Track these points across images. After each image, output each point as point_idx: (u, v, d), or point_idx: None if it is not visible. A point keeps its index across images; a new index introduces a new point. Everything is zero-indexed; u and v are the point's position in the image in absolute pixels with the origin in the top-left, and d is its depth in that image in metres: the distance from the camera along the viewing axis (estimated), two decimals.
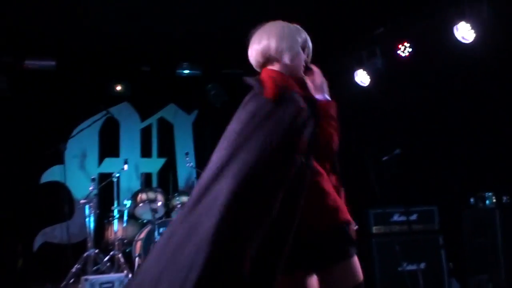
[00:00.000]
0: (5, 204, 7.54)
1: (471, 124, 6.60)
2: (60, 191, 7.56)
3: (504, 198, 6.10)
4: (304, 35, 2.94)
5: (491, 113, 6.37)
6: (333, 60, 7.84)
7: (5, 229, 7.48)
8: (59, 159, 7.53)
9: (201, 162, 8.90)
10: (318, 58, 8.51)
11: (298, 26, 2.97)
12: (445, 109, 6.90)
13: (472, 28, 5.99)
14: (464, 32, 6.05)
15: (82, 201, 7.12)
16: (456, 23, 6.08)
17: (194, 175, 8.67)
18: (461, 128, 6.73)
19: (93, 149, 8.60)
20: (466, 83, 6.54)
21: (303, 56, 2.88)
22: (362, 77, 7.48)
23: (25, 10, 6.50)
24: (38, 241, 8.01)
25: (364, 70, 7.46)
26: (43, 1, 6.29)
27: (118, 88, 8.51)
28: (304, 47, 2.90)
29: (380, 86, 7.32)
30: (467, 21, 6.01)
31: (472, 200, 6.32)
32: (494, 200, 6.12)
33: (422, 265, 6.27)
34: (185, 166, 8.31)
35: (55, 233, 8.00)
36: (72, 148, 8.27)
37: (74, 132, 7.94)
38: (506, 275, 5.82)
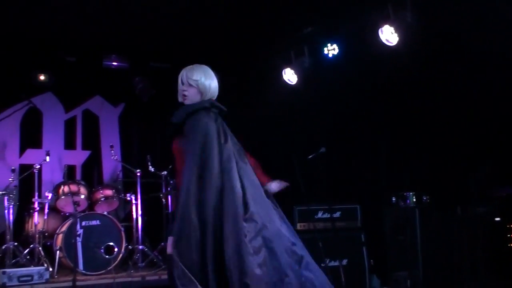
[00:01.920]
0: None
1: (395, 124, 6.65)
2: None
3: (424, 198, 6.18)
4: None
5: (414, 113, 6.45)
6: (262, 58, 7.84)
7: None
8: None
9: (126, 155, 8.81)
10: (247, 56, 8.36)
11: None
12: (369, 109, 6.94)
13: (395, 31, 6.02)
14: (388, 35, 6.08)
15: (1, 192, 6.82)
16: (381, 26, 6.09)
17: (120, 168, 8.44)
18: (385, 128, 6.77)
19: (14, 139, 8.29)
20: (390, 84, 6.61)
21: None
22: (289, 76, 7.47)
23: None
24: None
25: (291, 69, 7.44)
26: None
27: (42, 77, 8.13)
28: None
29: (307, 85, 7.33)
30: (391, 25, 6.03)
31: (393, 199, 6.35)
32: (414, 200, 6.18)
33: (344, 262, 6.27)
34: (110, 159, 8.05)
35: None
36: None
37: None
38: (424, 272, 5.89)
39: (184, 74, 3.60)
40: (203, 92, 3.57)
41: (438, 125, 6.18)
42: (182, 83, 3.59)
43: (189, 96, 3.56)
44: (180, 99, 3.63)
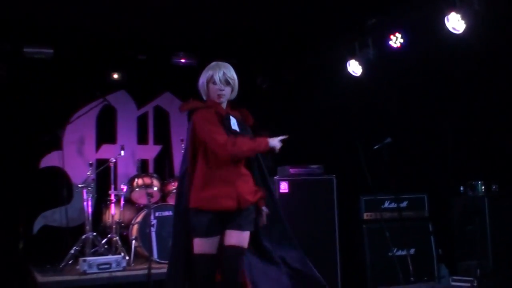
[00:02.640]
0: (6, 189, 7.46)
1: (462, 113, 6.46)
2: (59, 176, 7.47)
3: (493, 186, 6.00)
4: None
5: (482, 103, 6.23)
6: (327, 51, 7.72)
7: (7, 213, 7.43)
8: (57, 145, 7.48)
9: None
10: (313, 49, 8.33)
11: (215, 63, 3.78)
12: (435, 98, 6.76)
13: (462, 19, 5.81)
14: (455, 23, 5.87)
15: (80, 186, 7.04)
16: (447, 13, 5.90)
17: None
18: (452, 116, 6.59)
19: (90, 135, 8.49)
20: (457, 72, 6.40)
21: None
22: (354, 67, 7.33)
23: None
24: (38, 224, 7.96)
25: (356, 60, 7.31)
26: None
27: (115, 76, 8.39)
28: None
29: (372, 76, 7.19)
30: (457, 12, 5.83)
31: (461, 188, 6.20)
32: (483, 189, 6.00)
33: (412, 251, 6.17)
34: (180, 152, 8.16)
35: (54, 217, 7.94)
36: (70, 134, 8.18)
37: (72, 118, 7.82)
38: (493, 261, 5.72)
39: (221, 72, 3.66)
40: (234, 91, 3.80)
41: (506, 112, 5.98)
42: (217, 82, 3.65)
43: (226, 95, 3.71)
44: (226, 98, 3.73)
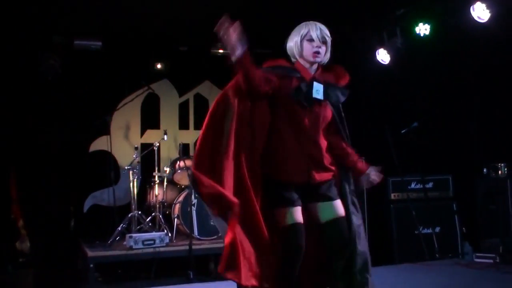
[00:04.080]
0: (59, 171, 7.67)
1: (486, 98, 6.46)
2: (107, 159, 7.57)
3: None
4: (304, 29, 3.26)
5: (504, 89, 6.21)
6: (357, 39, 7.72)
7: (59, 193, 7.64)
8: (105, 130, 7.58)
9: None
10: (343, 39, 8.35)
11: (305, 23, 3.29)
12: (460, 85, 6.76)
13: (487, 8, 5.80)
14: (480, 12, 5.86)
15: (126, 168, 7.22)
16: (472, 3, 5.89)
17: None
18: (476, 102, 6.60)
19: (136, 121, 8.64)
20: (482, 60, 6.38)
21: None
22: (383, 56, 7.32)
23: None
24: (87, 204, 8.16)
25: (384, 49, 7.30)
26: None
27: (159, 66, 8.51)
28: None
29: (400, 65, 7.18)
30: (482, 1, 5.82)
31: (485, 170, 6.21)
32: (506, 170, 6.02)
33: (437, 229, 6.23)
34: None
35: (103, 197, 8.10)
36: (117, 120, 8.35)
37: (119, 105, 7.95)
38: None
39: (318, 30, 3.21)
40: None
41: None
42: (315, 39, 3.19)
43: (322, 54, 3.23)
44: (322, 58, 3.23)
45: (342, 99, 3.34)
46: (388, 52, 7.26)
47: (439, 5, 6.47)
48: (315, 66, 3.25)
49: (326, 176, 3.24)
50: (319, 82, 3.21)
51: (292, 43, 3.27)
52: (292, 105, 3.17)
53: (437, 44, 6.69)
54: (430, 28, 6.64)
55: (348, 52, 8.10)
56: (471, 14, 5.90)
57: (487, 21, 5.84)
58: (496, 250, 5.79)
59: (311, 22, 3.25)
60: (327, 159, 3.25)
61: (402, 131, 6.12)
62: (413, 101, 7.18)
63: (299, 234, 3.08)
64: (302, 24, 3.28)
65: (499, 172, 6.06)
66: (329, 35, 3.23)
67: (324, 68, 3.32)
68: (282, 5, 6.94)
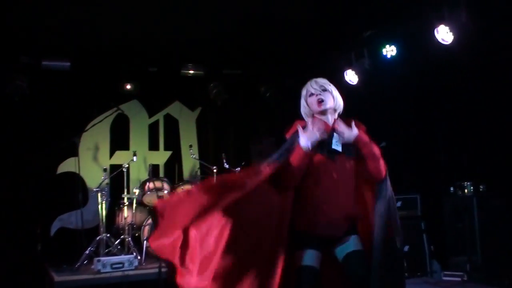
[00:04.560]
0: (25, 193, 7.54)
1: (451, 118, 6.58)
2: (75, 181, 7.43)
3: (481, 187, 6.11)
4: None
5: (469, 107, 6.34)
6: (325, 60, 7.80)
7: (25, 216, 7.47)
8: (73, 152, 7.45)
9: (204, 154, 8.95)
10: (312, 59, 8.41)
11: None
12: (427, 105, 6.87)
13: (450, 31, 5.94)
14: (444, 34, 5.99)
15: (95, 190, 7.11)
16: (436, 26, 6.02)
17: (198, 165, 8.62)
18: (442, 121, 6.71)
19: (105, 142, 8.54)
20: (446, 81, 6.52)
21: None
22: (351, 77, 7.41)
23: (41, 15, 6.44)
24: (55, 227, 7.99)
25: (352, 70, 7.40)
26: (58, 7, 6.22)
27: (128, 87, 8.42)
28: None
29: (368, 85, 7.26)
30: (446, 24, 5.96)
31: (451, 188, 6.31)
32: (472, 189, 6.12)
33: (406, 248, 6.25)
34: (189, 158, 8.29)
35: (70, 219, 7.95)
36: (86, 142, 8.26)
37: (88, 127, 7.82)
38: (482, 256, 5.82)
39: (312, 82, 3.37)
40: None
41: (493, 117, 6.09)
42: (313, 91, 3.33)
43: (327, 101, 3.33)
44: (328, 105, 3.32)
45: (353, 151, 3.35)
46: (356, 73, 7.36)
47: (405, 27, 6.58)
48: (330, 117, 3.34)
49: (347, 222, 3.29)
50: (338, 133, 3.28)
51: (302, 109, 3.43)
52: (318, 160, 3.23)
53: (404, 65, 6.82)
54: (397, 49, 6.75)
55: (317, 72, 8.18)
56: (435, 36, 6.02)
57: (450, 43, 5.97)
58: (464, 268, 5.86)
59: (310, 81, 3.38)
60: (355, 209, 3.31)
61: None
62: (381, 121, 7.26)
63: (310, 277, 3.13)
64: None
65: (465, 190, 6.17)
66: (327, 83, 3.36)
67: (342, 120, 3.39)
68: (252, 27, 6.99)
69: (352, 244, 3.23)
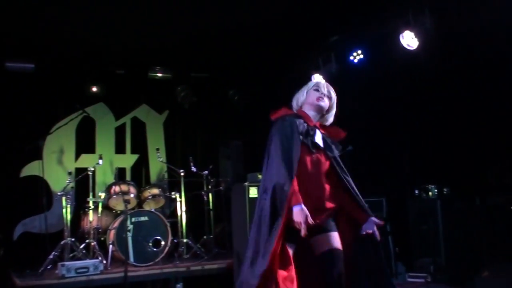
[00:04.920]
0: None
1: (417, 122, 6.66)
2: (39, 184, 7.34)
3: (445, 189, 6.19)
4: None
5: (434, 111, 6.44)
6: (293, 65, 7.83)
7: None
8: (37, 155, 7.39)
9: (171, 157, 8.91)
10: (280, 63, 8.42)
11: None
12: (392, 109, 6.94)
13: (415, 36, 6.04)
14: (409, 40, 6.10)
15: (59, 193, 6.97)
16: (402, 31, 6.12)
17: (165, 169, 8.56)
18: (408, 125, 6.79)
19: (70, 145, 8.45)
20: (411, 84, 6.60)
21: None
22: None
23: (6, 15, 6.34)
24: (18, 231, 7.87)
25: (320, 74, 7.44)
26: (23, 8, 6.13)
27: (94, 89, 8.35)
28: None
29: (335, 90, 7.24)
30: (411, 30, 6.05)
31: (416, 191, 6.38)
32: (436, 192, 6.21)
33: None
34: (156, 161, 8.23)
35: (34, 224, 7.86)
36: (50, 145, 8.16)
37: (53, 129, 7.72)
38: (446, 258, 5.91)
39: (325, 85, 3.54)
40: None
41: (457, 121, 6.19)
42: (320, 89, 3.49)
43: (325, 105, 3.50)
44: (324, 107, 3.49)
45: (337, 153, 3.51)
46: (324, 78, 7.34)
47: (371, 33, 6.67)
48: (317, 117, 3.50)
49: (328, 212, 3.33)
50: (320, 131, 3.46)
51: (299, 94, 3.54)
52: (302, 147, 3.31)
53: (370, 70, 6.91)
54: (363, 54, 6.83)
55: (284, 77, 8.22)
56: (401, 42, 6.12)
57: (415, 49, 6.08)
58: (428, 269, 5.93)
59: (321, 80, 3.70)
60: (329, 201, 3.35)
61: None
62: (348, 126, 7.30)
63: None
64: (308, 84, 3.58)
65: (430, 193, 6.25)
66: (334, 92, 3.54)
67: (323, 126, 3.56)
68: (220, 31, 6.99)
69: (331, 240, 3.27)
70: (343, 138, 3.60)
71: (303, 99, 3.51)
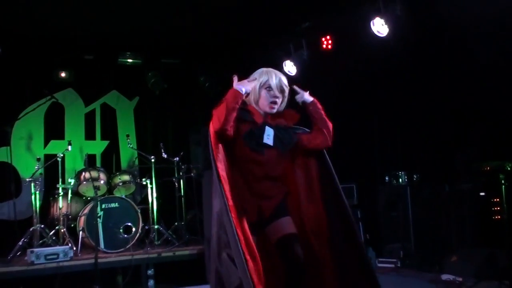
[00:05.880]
0: None
1: (387, 108, 6.66)
2: (6, 171, 7.15)
3: (415, 176, 6.22)
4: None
5: (404, 98, 6.44)
6: (264, 51, 7.76)
7: None
8: (5, 141, 7.17)
9: (141, 144, 8.78)
10: (251, 49, 8.34)
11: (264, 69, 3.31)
12: (363, 96, 6.93)
13: (386, 23, 6.01)
14: (379, 27, 6.07)
15: (28, 180, 6.81)
16: (372, 18, 6.07)
17: (135, 155, 8.40)
18: (378, 112, 6.78)
19: (38, 131, 8.23)
20: (381, 71, 6.60)
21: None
22: (289, 68, 7.42)
23: None
24: None
25: (291, 61, 7.41)
26: None
27: (63, 74, 8.12)
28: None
29: (306, 76, 7.28)
30: (381, 17, 6.02)
31: (386, 178, 6.40)
32: (406, 178, 6.23)
33: None
34: (126, 147, 8.07)
35: (3, 210, 7.65)
36: (19, 131, 7.96)
37: (21, 115, 7.45)
38: (415, 244, 5.95)
39: (277, 79, 3.22)
40: None
41: (426, 108, 6.21)
42: (273, 88, 3.20)
43: (278, 104, 3.27)
44: (277, 108, 3.25)
45: (295, 139, 3.35)
46: (295, 64, 7.36)
47: (342, 19, 6.62)
48: (267, 114, 3.27)
49: (276, 202, 3.22)
50: (271, 126, 3.23)
51: (252, 91, 3.23)
52: (244, 149, 3.15)
53: (341, 56, 6.85)
54: (334, 41, 6.78)
55: (255, 64, 8.12)
56: (371, 28, 6.08)
57: (386, 36, 6.05)
58: (397, 255, 5.96)
59: (270, 69, 3.27)
60: (277, 188, 3.25)
61: None
62: None
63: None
64: (261, 70, 3.28)
65: (400, 180, 6.26)
66: (287, 85, 3.26)
67: (278, 112, 3.31)
68: (191, 16, 6.85)
69: (283, 226, 3.20)
70: (297, 121, 3.41)
71: (255, 98, 3.25)
